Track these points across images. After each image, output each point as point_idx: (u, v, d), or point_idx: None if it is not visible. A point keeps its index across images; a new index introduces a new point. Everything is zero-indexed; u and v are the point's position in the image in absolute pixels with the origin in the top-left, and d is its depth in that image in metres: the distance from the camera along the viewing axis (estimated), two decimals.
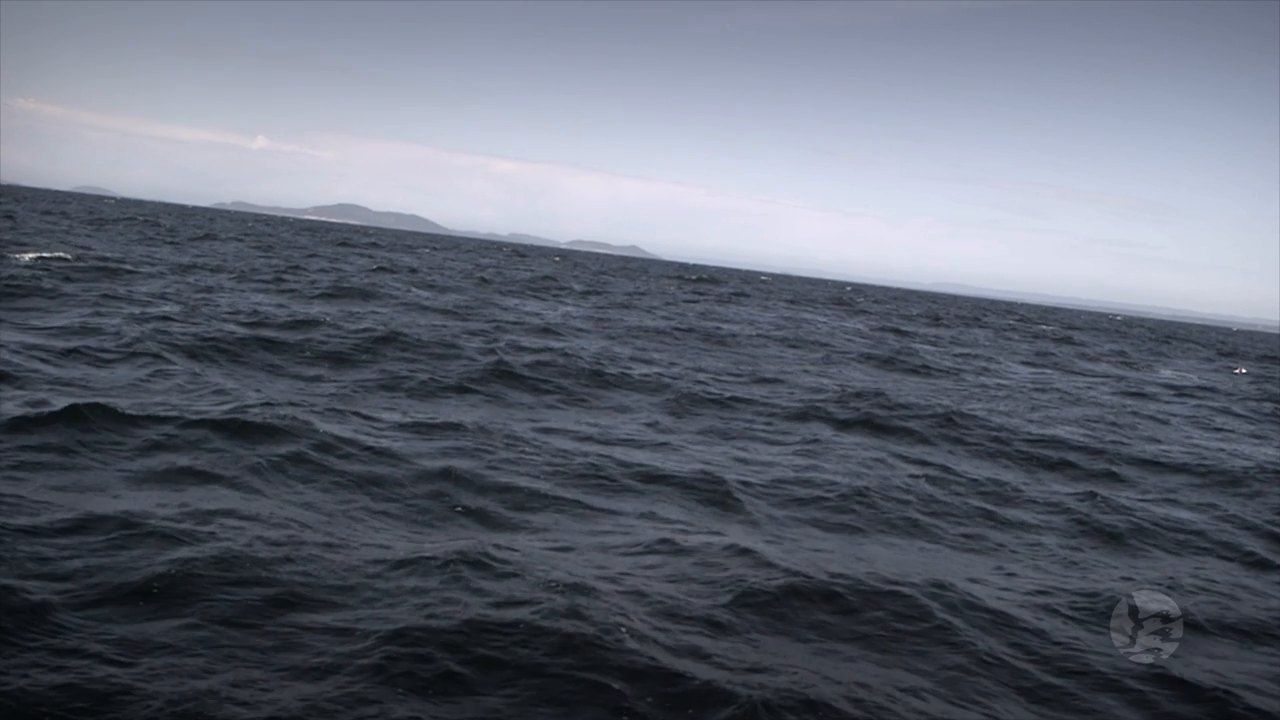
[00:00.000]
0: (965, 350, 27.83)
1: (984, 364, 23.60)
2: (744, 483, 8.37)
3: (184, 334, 12.01)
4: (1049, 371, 23.80)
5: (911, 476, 9.61)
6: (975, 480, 9.67)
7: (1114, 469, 11.00)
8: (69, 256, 21.08)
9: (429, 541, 5.91)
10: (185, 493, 6.21)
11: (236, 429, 7.63)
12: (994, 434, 12.28)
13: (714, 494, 7.94)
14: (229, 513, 5.82)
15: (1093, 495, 9.28)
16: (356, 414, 9.10)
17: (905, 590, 5.84)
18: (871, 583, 5.91)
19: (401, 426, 8.77)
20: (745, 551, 6.33)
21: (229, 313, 14.71)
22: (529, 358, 13.55)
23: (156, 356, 10.64)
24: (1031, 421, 13.98)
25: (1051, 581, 6.62)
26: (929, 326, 40.48)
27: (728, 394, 13.10)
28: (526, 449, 8.61)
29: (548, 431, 9.56)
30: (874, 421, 12.25)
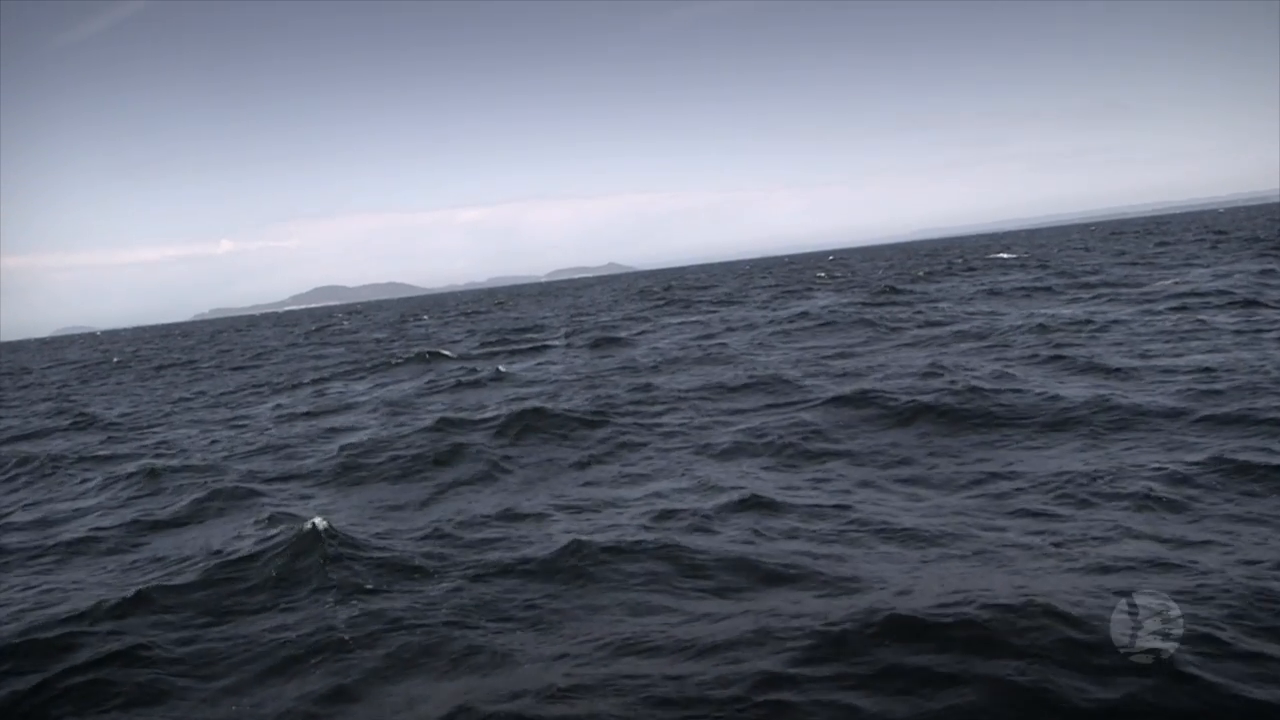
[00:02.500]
0: (977, 309, 25.97)
1: (1018, 317, 21.56)
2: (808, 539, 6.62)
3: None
4: (1083, 307, 21.86)
5: (1018, 490, 7.85)
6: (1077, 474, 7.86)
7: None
8: None
9: None
10: None
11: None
12: (1080, 407, 10.44)
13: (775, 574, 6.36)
14: None
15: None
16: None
17: None
18: None
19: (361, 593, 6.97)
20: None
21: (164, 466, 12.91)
22: (498, 451, 11.71)
23: None
24: (1115, 381, 12.12)
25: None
26: (926, 283, 38.63)
27: (744, 431, 11.30)
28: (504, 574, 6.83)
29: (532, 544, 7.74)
30: (931, 431, 10.47)
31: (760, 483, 9.12)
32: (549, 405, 13.91)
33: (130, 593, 7.11)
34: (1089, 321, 18.54)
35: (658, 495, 8.96)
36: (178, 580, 7.47)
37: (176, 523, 9.77)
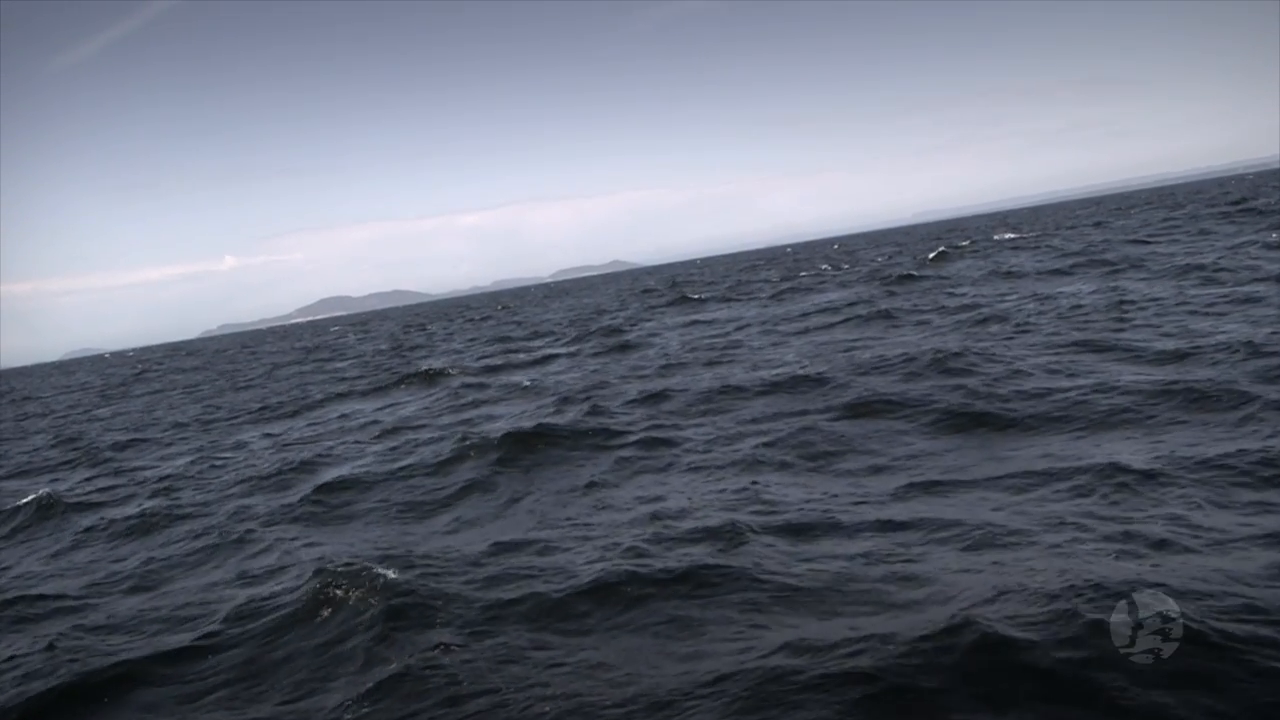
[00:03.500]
0: (996, 291, 25.23)
1: (1040, 298, 20.81)
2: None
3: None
4: (1105, 284, 21.08)
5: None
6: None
7: None
8: None
9: None
10: None
11: None
12: (1128, 396, 9.69)
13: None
14: None
15: None
16: None
17: None
18: None
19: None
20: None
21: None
22: (507, 476, 11.00)
23: None
24: (1158, 366, 11.39)
25: None
26: (936, 268, 37.83)
27: (770, 440, 10.59)
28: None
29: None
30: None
31: (795, 496, 8.45)
32: (559, 421, 13.22)
33: (106, 663, 6.44)
34: (1119, 302, 17.81)
35: (684, 516, 8.27)
36: (159, 649, 6.79)
37: (165, 578, 9.10)
